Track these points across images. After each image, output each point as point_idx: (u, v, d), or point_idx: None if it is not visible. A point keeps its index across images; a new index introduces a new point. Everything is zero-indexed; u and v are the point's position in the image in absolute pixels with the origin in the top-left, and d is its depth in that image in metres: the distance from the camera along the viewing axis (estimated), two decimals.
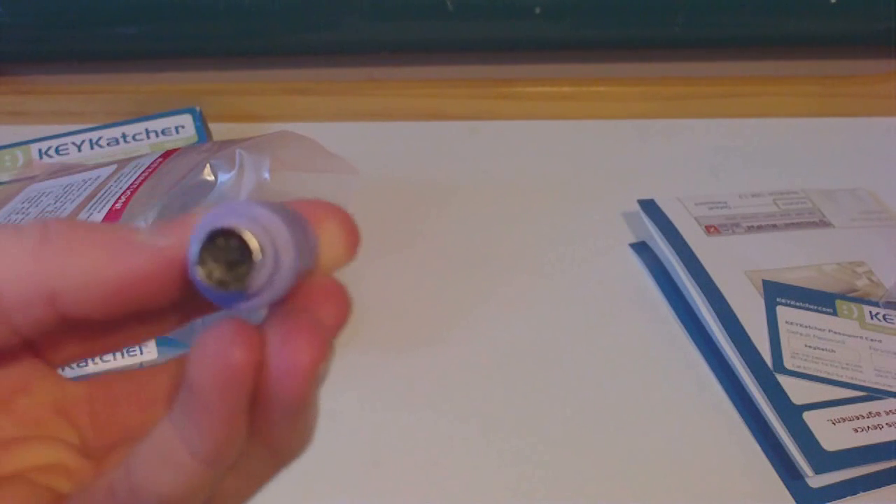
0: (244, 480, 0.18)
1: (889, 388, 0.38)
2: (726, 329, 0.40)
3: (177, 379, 0.19)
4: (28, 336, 0.16)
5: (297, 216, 0.16)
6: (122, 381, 0.19)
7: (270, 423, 0.16)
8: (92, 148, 0.49)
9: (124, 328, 0.18)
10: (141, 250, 0.16)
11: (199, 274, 0.15)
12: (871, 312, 0.42)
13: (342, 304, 0.17)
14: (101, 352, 0.19)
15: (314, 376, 0.15)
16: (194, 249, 0.15)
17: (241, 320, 0.15)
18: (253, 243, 0.15)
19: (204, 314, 0.19)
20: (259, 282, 0.15)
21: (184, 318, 0.19)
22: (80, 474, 0.18)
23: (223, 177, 0.37)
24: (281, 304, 0.16)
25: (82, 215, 0.38)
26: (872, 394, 0.38)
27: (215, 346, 0.15)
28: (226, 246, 0.15)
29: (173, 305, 0.17)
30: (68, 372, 0.20)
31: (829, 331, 0.41)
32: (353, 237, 0.17)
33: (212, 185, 0.38)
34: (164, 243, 0.16)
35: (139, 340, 0.19)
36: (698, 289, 0.42)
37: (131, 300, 0.16)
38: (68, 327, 0.17)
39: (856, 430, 0.36)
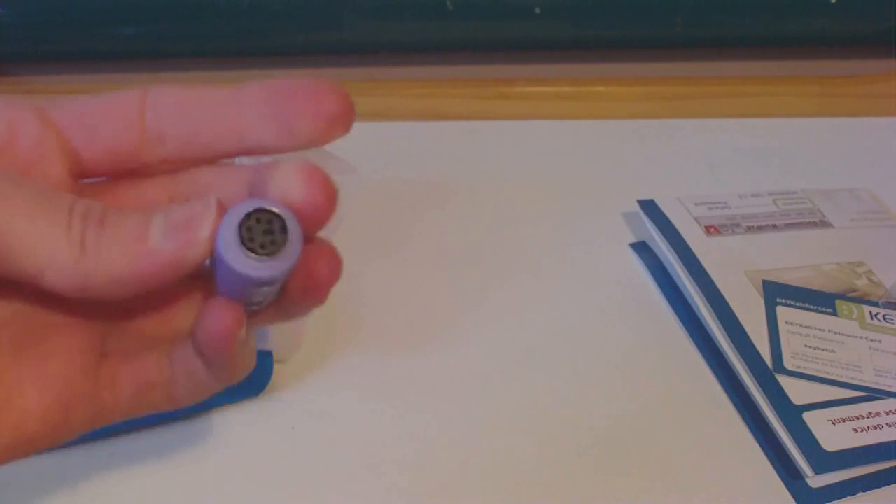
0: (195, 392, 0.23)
1: (889, 388, 0.38)
2: (726, 329, 0.40)
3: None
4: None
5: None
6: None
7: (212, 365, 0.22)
8: None
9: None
10: (154, 255, 0.19)
11: (239, 251, 0.18)
12: (870, 312, 0.42)
13: (333, 262, 0.21)
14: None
15: (232, 336, 0.20)
16: (230, 232, 0.18)
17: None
18: (287, 215, 0.19)
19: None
20: (286, 249, 0.19)
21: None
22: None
23: None
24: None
25: None
26: (872, 394, 0.38)
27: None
28: (256, 227, 0.19)
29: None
30: None
31: (829, 331, 0.41)
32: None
33: None
34: (172, 246, 0.19)
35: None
36: (698, 289, 0.42)
37: (146, 289, 0.20)
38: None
39: (856, 431, 0.36)
